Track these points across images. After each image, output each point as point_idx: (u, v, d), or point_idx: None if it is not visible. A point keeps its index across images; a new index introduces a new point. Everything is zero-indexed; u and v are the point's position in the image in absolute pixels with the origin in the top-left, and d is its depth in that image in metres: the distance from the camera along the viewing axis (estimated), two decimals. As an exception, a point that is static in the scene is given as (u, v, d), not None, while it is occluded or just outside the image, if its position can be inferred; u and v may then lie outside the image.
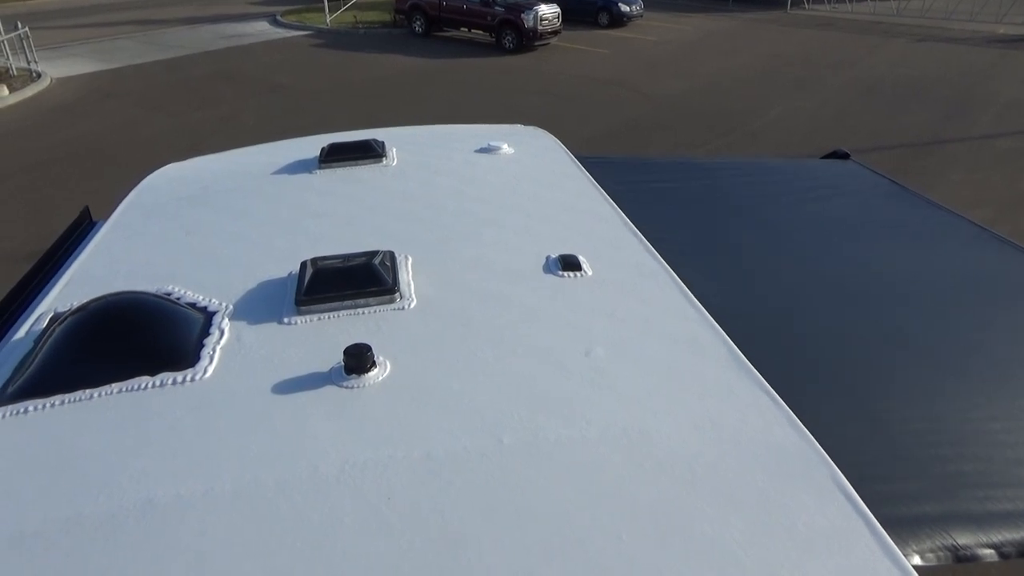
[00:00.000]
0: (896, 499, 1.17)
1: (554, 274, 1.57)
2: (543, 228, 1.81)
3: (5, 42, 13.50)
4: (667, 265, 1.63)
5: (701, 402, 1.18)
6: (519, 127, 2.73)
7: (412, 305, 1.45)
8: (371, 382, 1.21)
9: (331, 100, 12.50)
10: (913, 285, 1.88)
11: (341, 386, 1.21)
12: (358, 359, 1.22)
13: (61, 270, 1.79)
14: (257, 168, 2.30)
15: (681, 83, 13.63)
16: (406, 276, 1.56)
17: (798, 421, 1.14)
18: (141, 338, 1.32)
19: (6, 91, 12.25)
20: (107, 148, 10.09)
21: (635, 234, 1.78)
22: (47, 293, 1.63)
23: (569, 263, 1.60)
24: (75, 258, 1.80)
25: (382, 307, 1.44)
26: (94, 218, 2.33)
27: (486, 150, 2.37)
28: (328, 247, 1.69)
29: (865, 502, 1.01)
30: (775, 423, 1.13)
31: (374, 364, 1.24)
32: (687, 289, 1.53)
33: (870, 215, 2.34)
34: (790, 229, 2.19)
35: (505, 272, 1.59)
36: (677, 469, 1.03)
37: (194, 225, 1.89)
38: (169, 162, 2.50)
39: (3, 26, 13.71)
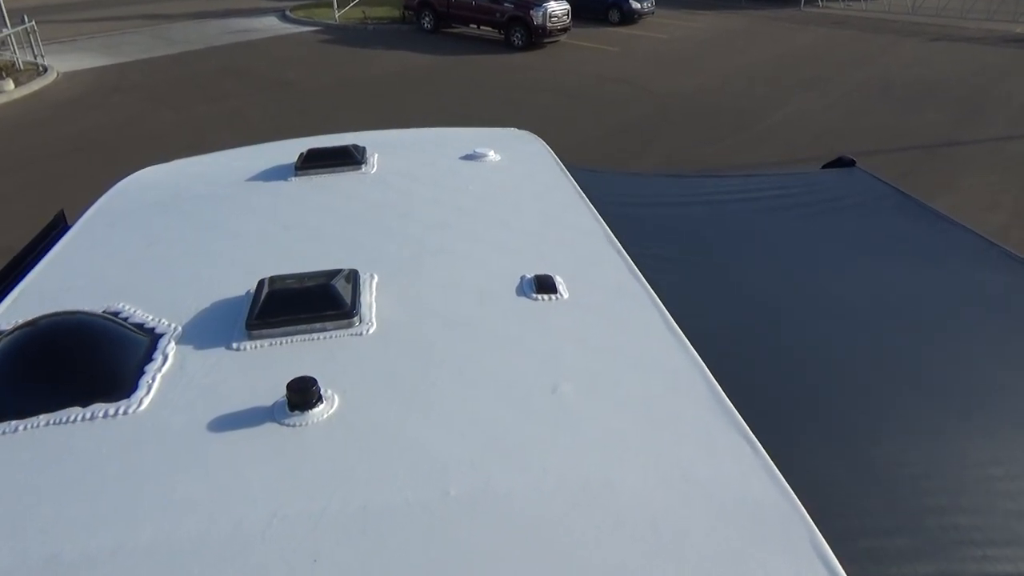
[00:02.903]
0: (886, 557, 1.06)
1: (528, 297, 1.47)
2: (522, 244, 1.71)
3: (12, 36, 13.50)
4: (650, 287, 1.53)
5: (673, 449, 1.07)
6: (510, 131, 2.62)
7: (371, 330, 1.35)
8: (315, 420, 1.12)
9: (338, 96, 12.43)
10: (916, 308, 1.76)
11: (283, 423, 1.11)
12: (302, 395, 1.12)
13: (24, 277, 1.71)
14: (233, 174, 2.21)
15: (692, 81, 13.48)
16: (368, 297, 1.46)
17: (778, 473, 1.03)
18: (79, 364, 1.23)
19: (12, 85, 12.25)
20: (113, 142, 10.06)
21: (619, 251, 1.67)
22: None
23: (544, 285, 1.50)
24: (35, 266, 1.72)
25: (339, 331, 1.34)
26: (70, 221, 2.25)
27: (471, 157, 2.27)
28: (293, 263, 1.60)
29: (851, 559, 0.91)
30: (752, 475, 1.03)
31: (320, 399, 1.14)
32: (669, 315, 1.42)
33: (873, 231, 2.22)
34: (788, 248, 2.08)
35: (476, 294, 1.49)
36: (639, 528, 0.93)
37: (158, 235, 1.80)
38: (173, 158, 2.42)
39: (10, 20, 13.71)
